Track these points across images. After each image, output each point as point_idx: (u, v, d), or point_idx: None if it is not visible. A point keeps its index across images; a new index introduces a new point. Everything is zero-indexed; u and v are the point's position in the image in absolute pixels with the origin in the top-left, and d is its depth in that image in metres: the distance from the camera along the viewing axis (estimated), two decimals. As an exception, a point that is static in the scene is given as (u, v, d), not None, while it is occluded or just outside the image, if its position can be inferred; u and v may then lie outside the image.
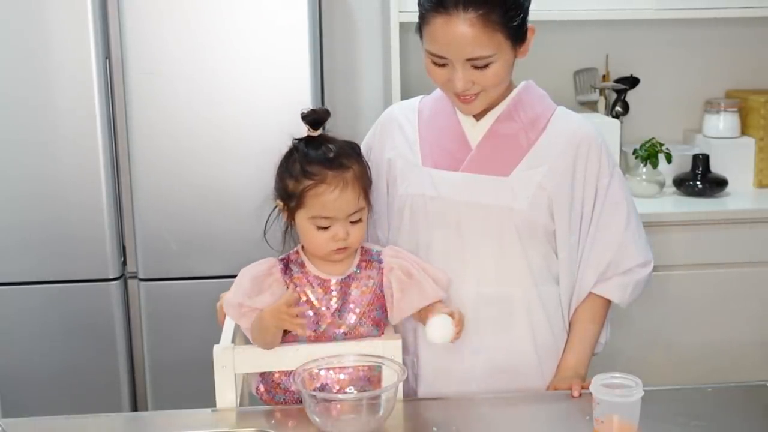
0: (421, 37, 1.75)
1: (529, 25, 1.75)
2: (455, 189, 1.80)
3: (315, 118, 1.70)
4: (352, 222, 1.69)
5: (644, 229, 1.92)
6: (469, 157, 1.82)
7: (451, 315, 1.67)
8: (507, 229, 1.79)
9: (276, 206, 1.76)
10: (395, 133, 1.91)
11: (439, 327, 1.65)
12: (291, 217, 1.72)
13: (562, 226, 1.82)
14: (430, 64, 1.75)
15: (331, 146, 1.70)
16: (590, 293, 1.87)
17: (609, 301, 1.89)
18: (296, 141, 1.73)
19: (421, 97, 1.96)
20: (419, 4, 1.75)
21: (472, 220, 1.80)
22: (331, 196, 1.66)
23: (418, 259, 1.78)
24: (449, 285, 1.78)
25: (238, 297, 1.71)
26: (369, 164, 1.77)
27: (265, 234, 1.76)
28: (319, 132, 1.71)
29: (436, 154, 1.85)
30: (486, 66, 1.70)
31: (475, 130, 1.83)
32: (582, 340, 1.86)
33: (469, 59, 1.69)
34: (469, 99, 1.76)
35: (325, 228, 1.68)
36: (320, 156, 1.69)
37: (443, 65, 1.72)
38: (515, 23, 1.70)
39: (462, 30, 1.66)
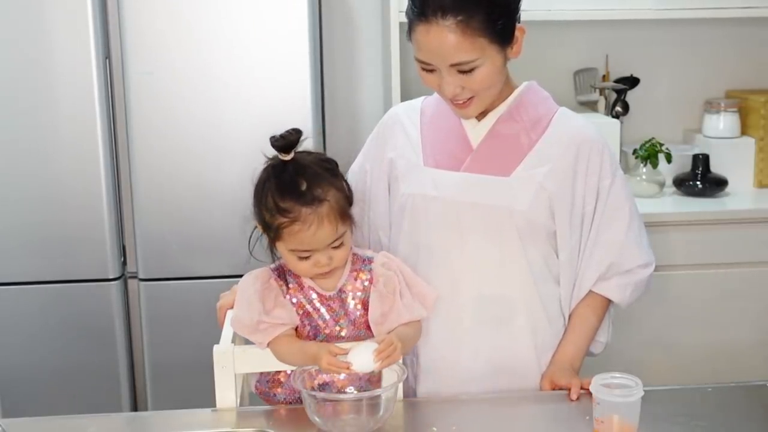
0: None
1: (518, 25, 1.74)
2: (456, 189, 1.80)
3: (284, 144, 1.62)
4: (334, 248, 1.65)
5: (644, 229, 1.92)
6: (470, 157, 1.82)
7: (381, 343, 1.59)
8: (507, 229, 1.79)
9: (256, 227, 1.71)
10: (398, 133, 1.91)
11: (358, 357, 1.58)
12: (272, 244, 1.67)
13: (562, 226, 1.82)
14: (420, 71, 1.75)
15: (303, 176, 1.62)
16: (590, 291, 1.87)
17: (609, 300, 1.89)
18: (269, 166, 1.65)
19: (424, 97, 1.96)
20: (406, 14, 1.76)
21: (472, 220, 1.80)
22: (307, 234, 1.61)
23: (408, 272, 1.74)
24: (435, 302, 1.75)
25: (255, 315, 1.66)
26: (346, 178, 1.70)
27: (250, 252, 1.70)
28: (291, 155, 1.63)
29: (438, 155, 1.85)
30: (471, 70, 1.70)
31: (476, 131, 1.83)
32: (580, 333, 1.86)
33: (453, 65, 1.69)
34: (462, 104, 1.76)
35: (306, 258, 1.64)
36: (292, 190, 1.60)
37: (432, 71, 1.73)
38: (499, 27, 1.69)
39: (442, 37, 1.66)
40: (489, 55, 1.69)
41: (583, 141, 1.82)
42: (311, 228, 1.60)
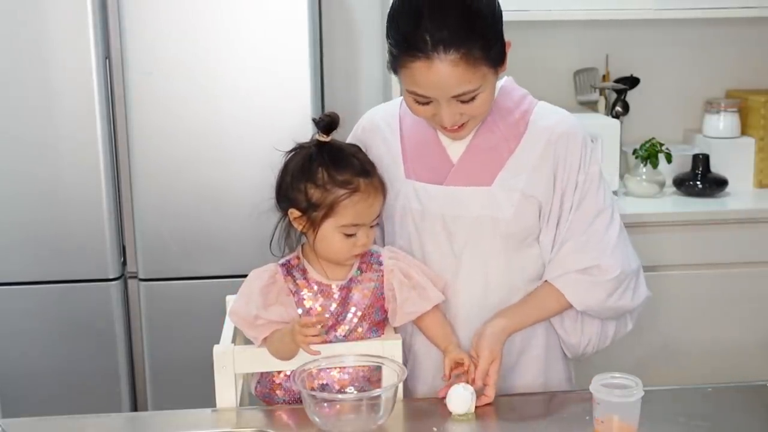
0: (395, 74, 1.70)
1: (506, 40, 1.71)
2: (440, 202, 1.79)
3: (329, 122, 1.67)
4: (371, 226, 1.70)
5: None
6: (451, 172, 1.79)
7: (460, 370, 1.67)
8: (493, 238, 1.77)
9: (283, 216, 1.72)
10: (378, 142, 1.87)
11: (458, 400, 1.64)
12: (312, 227, 1.68)
13: (550, 228, 1.80)
14: (412, 104, 1.70)
15: (352, 152, 1.69)
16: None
17: (563, 298, 1.79)
18: (310, 147, 1.69)
19: (401, 99, 1.84)
20: (389, 44, 1.69)
21: (459, 231, 1.78)
22: (365, 204, 1.66)
23: (417, 261, 1.78)
24: (445, 288, 1.78)
25: (252, 309, 1.68)
26: None
27: (271, 246, 1.73)
28: (329, 137, 1.68)
29: (418, 168, 1.82)
30: (473, 98, 1.67)
31: (455, 145, 1.80)
32: (526, 307, 1.79)
33: (455, 96, 1.65)
34: (457, 129, 1.73)
35: (351, 235, 1.67)
36: (348, 164, 1.67)
37: (427, 103, 1.68)
38: (495, 52, 1.66)
39: (446, 71, 1.61)
40: (488, 80, 1.67)
41: (559, 137, 1.78)
42: (369, 199, 1.67)
